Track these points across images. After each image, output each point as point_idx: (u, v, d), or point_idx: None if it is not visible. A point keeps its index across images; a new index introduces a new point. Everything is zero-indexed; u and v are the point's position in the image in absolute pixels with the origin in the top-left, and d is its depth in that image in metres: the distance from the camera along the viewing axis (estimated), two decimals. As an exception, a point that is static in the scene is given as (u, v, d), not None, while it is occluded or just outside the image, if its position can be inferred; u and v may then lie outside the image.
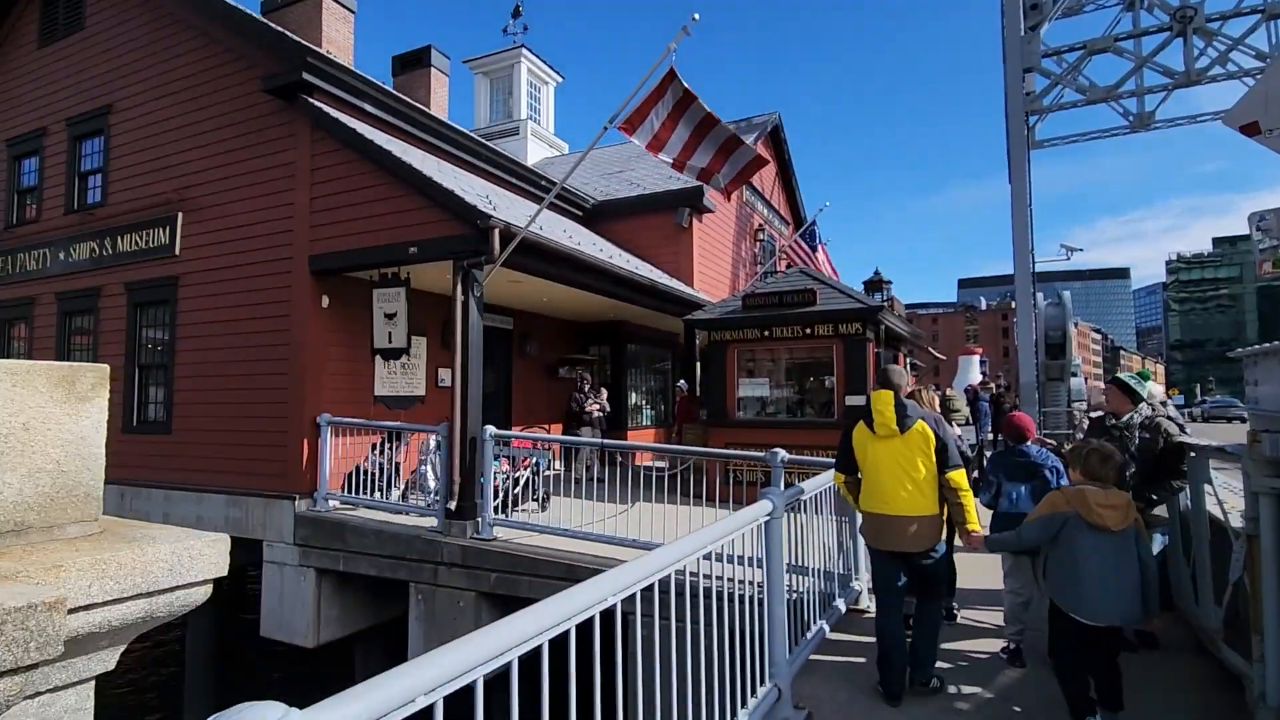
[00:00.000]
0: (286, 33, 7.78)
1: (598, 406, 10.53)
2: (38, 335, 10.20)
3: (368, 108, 8.57)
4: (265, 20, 7.96)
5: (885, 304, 9.34)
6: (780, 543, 3.23)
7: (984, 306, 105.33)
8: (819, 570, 4.31)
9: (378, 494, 7.36)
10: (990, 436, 12.30)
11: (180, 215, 8.78)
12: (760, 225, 16.42)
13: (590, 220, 13.59)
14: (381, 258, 7.35)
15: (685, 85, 6.33)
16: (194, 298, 8.64)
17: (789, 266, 13.43)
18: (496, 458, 7.66)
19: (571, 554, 6.12)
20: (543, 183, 12.19)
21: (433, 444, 7.47)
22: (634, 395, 13.68)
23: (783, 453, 5.44)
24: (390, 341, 7.61)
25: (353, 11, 11.79)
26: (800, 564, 4.10)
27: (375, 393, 8.62)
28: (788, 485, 4.43)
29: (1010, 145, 12.84)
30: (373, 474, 7.80)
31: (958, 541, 4.05)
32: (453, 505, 6.63)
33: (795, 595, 3.78)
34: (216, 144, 8.58)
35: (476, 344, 6.86)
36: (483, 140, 10.86)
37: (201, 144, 8.71)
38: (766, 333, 8.82)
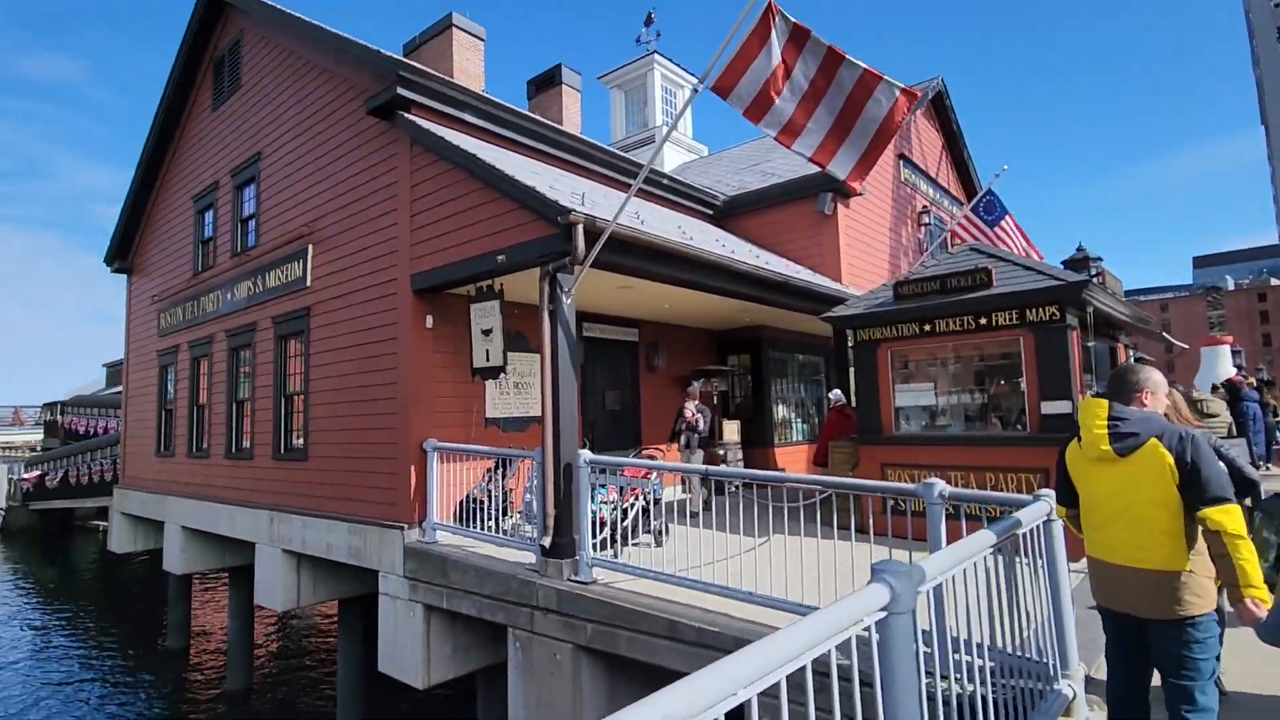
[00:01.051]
0: (382, 50, 7.65)
1: (687, 425, 9.20)
2: (214, 370, 11.15)
3: (468, 118, 8.23)
4: (364, 43, 7.92)
5: (1094, 278, 7.17)
6: (909, 655, 1.93)
7: (1231, 286, 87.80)
8: (994, 667, 2.85)
9: (487, 525, 6.82)
10: (1264, 449, 9.24)
11: (310, 247, 9.04)
12: (924, 208, 14.24)
13: (722, 219, 12.48)
14: (474, 270, 6.85)
15: (793, 20, 5.07)
16: (321, 326, 8.81)
17: (957, 245, 11.33)
18: (601, 485, 6.82)
19: (677, 606, 5.04)
20: (665, 181, 11.33)
21: (529, 470, 6.78)
22: (781, 408, 12.24)
23: (941, 485, 3.99)
24: (488, 360, 7.07)
25: (481, 39, 11.82)
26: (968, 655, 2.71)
27: (486, 415, 8.18)
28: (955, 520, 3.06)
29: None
30: (482, 502, 7.31)
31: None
32: (547, 541, 5.84)
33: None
34: (337, 174, 8.72)
35: (567, 357, 6.06)
36: (593, 141, 10.23)
37: (326, 176, 8.92)
38: (927, 326, 7.12)
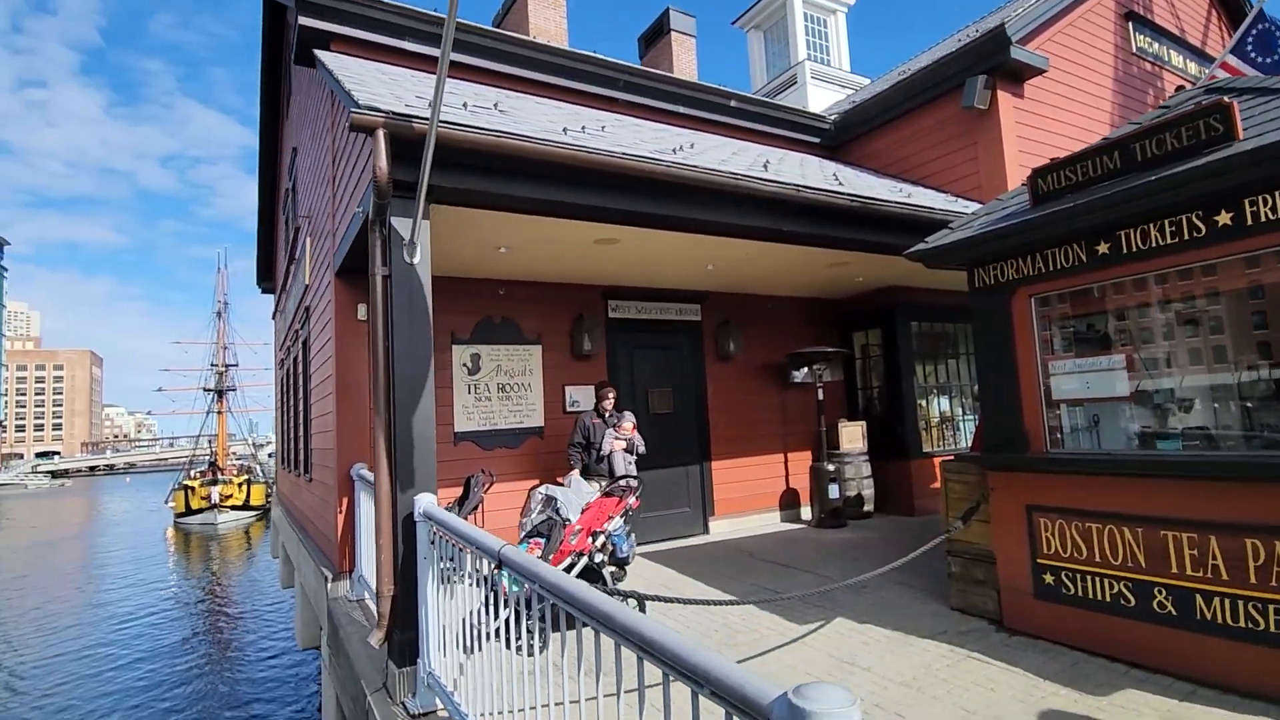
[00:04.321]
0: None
1: (621, 441, 6.12)
2: (287, 385, 10.84)
3: (409, 45, 6.41)
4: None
5: None
6: None
7: None
8: None
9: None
10: None
11: (307, 241, 8.00)
12: (1180, 88, 9.35)
13: (835, 150, 9.24)
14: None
15: None
16: (313, 328, 7.68)
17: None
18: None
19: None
20: (735, 104, 8.50)
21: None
22: (935, 402, 8.65)
23: None
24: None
25: (561, -3, 10.23)
26: None
27: (455, 429, 6.28)
28: None
29: None
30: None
31: None
32: (375, 639, 3.72)
33: None
34: (311, 153, 7.51)
35: (415, 346, 3.87)
36: (603, 58, 7.78)
37: (308, 157, 7.78)
38: (1103, 244, 3.67)
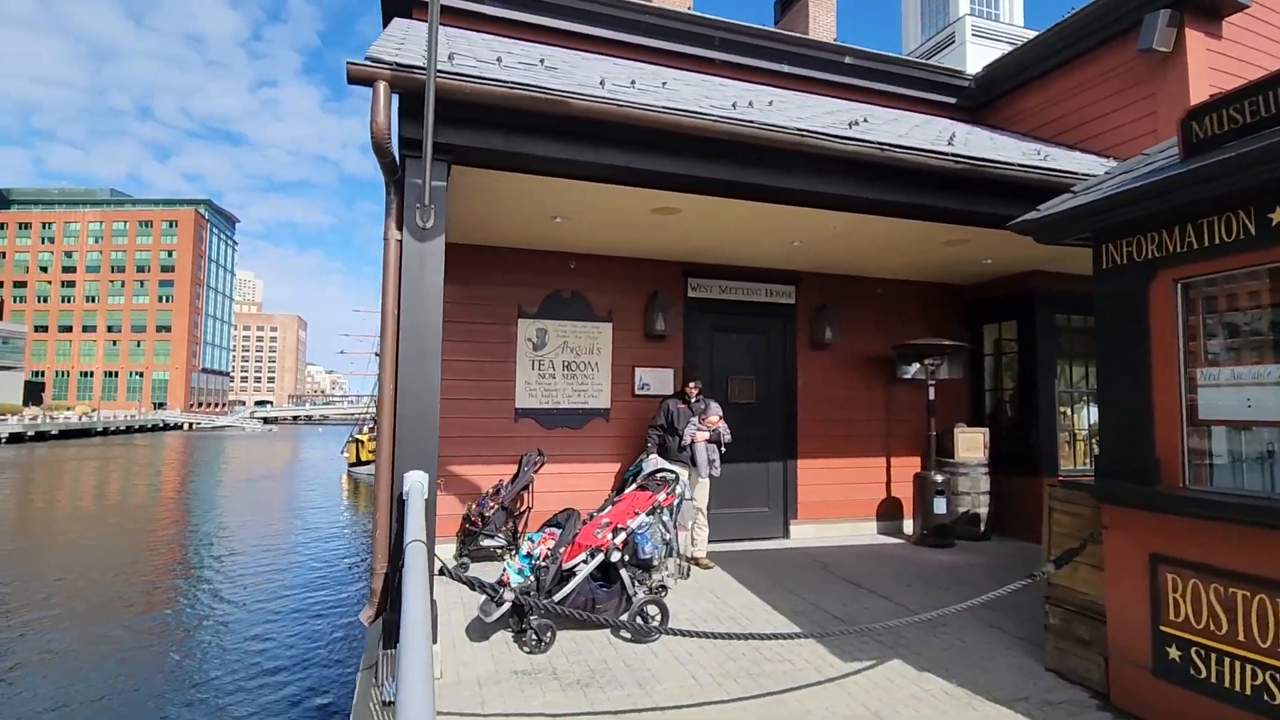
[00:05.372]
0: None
1: (705, 432, 5.61)
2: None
3: (486, 9, 6.24)
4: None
5: None
6: None
7: None
8: None
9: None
10: None
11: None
12: None
13: (979, 113, 7.97)
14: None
15: None
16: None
17: None
18: (493, 531, 4.35)
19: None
20: (850, 61, 7.54)
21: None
22: (1082, 413, 7.25)
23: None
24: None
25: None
26: None
27: (516, 405, 6.14)
28: None
29: None
30: (475, 525, 5.48)
31: None
32: (365, 615, 3.61)
33: None
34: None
35: (424, 316, 3.68)
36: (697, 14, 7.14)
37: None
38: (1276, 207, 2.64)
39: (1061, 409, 7.09)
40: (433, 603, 2.93)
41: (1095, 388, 7.25)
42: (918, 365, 7.19)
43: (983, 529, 6.95)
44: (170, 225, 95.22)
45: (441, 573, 3.34)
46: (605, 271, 6.43)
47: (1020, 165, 4.60)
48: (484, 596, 4.18)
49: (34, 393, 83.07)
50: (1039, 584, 3.57)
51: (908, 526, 7.25)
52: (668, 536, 4.34)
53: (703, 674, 3.59)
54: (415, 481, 3.35)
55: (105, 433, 61.03)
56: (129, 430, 65.10)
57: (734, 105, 4.30)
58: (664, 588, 4.47)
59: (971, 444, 7.08)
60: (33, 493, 25.81)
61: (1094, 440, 7.32)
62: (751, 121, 4.01)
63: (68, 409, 71.19)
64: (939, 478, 6.74)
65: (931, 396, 6.90)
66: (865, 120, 4.91)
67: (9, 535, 16.39)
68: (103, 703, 6.62)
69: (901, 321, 7.43)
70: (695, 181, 4.28)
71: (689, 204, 4.91)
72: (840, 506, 7.08)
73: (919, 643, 4.08)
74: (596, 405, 6.33)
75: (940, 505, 6.70)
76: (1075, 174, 4.75)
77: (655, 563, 4.00)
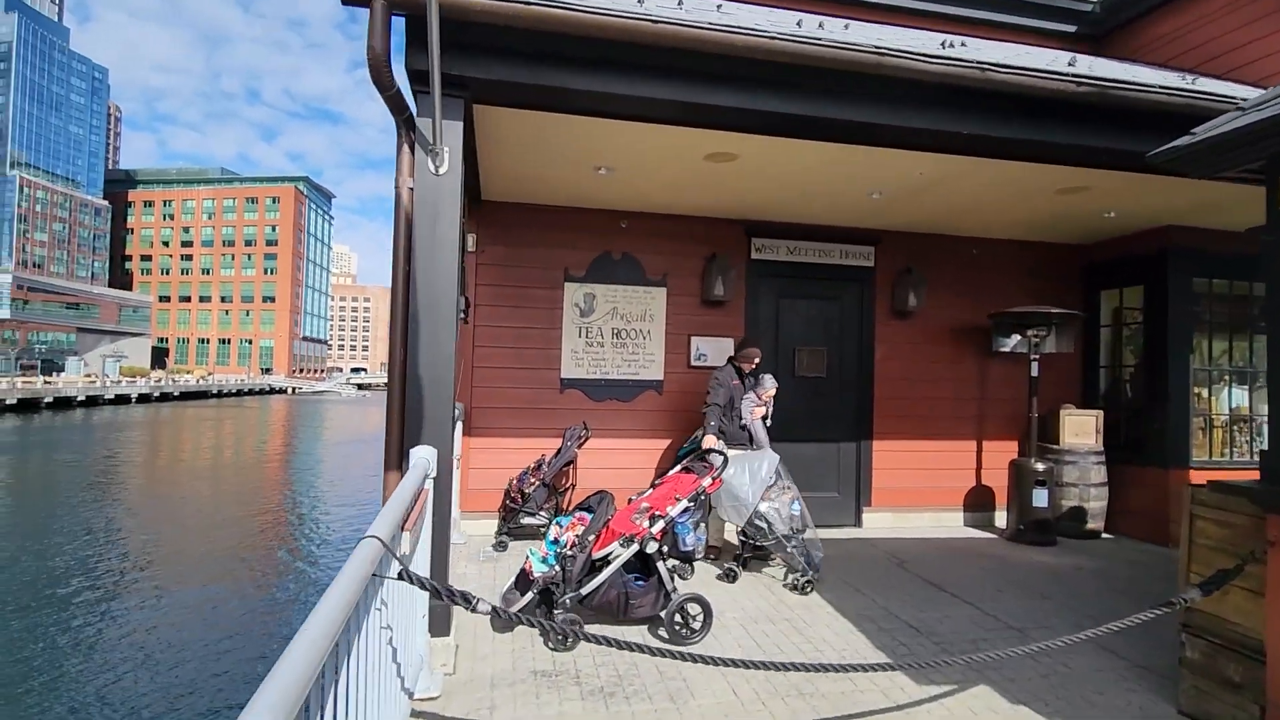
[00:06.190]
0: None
1: (761, 409, 5.12)
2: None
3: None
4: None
5: None
6: None
7: None
8: None
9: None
10: None
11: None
12: None
13: (1101, 42, 6.80)
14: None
15: None
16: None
17: None
18: (533, 509, 3.98)
19: None
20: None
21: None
22: (1224, 395, 6.15)
23: None
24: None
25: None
26: None
27: (562, 375, 5.74)
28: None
29: None
30: (515, 501, 5.20)
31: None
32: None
33: None
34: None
35: (441, 273, 3.28)
36: None
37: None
38: None
39: (1196, 389, 6.03)
40: (454, 592, 2.55)
41: (1266, 366, 6.16)
42: (1018, 337, 6.29)
43: (1091, 526, 6.05)
44: (273, 201, 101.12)
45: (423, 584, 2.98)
46: (659, 230, 5.89)
47: (1161, 88, 3.69)
48: (508, 584, 3.84)
49: (159, 358, 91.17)
50: (1177, 610, 2.83)
51: (1000, 519, 6.43)
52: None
53: (745, 688, 3.09)
54: (420, 459, 2.99)
55: (219, 395, 66.39)
56: (239, 394, 70.45)
57: (799, 24, 3.62)
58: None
59: (1081, 428, 6.16)
60: (176, 449, 28.58)
61: (1234, 428, 6.22)
62: (820, 40, 3.34)
63: (187, 373, 77.88)
64: (1040, 466, 5.87)
65: (1034, 373, 6.00)
66: (963, 43, 4.10)
67: (149, 489, 18.85)
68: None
69: (999, 287, 6.51)
70: (754, 118, 3.66)
71: (748, 147, 4.28)
72: (921, 494, 6.34)
73: (1013, 667, 3.42)
74: (649, 377, 5.85)
75: (1041, 497, 5.85)
76: (1233, 99, 3.79)
77: (697, 555, 3.50)
